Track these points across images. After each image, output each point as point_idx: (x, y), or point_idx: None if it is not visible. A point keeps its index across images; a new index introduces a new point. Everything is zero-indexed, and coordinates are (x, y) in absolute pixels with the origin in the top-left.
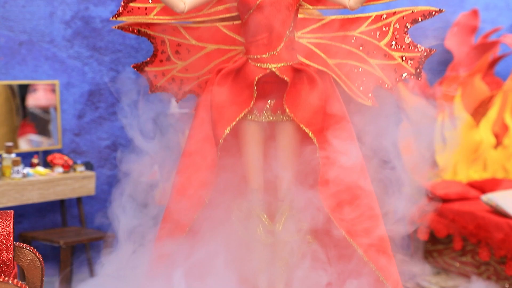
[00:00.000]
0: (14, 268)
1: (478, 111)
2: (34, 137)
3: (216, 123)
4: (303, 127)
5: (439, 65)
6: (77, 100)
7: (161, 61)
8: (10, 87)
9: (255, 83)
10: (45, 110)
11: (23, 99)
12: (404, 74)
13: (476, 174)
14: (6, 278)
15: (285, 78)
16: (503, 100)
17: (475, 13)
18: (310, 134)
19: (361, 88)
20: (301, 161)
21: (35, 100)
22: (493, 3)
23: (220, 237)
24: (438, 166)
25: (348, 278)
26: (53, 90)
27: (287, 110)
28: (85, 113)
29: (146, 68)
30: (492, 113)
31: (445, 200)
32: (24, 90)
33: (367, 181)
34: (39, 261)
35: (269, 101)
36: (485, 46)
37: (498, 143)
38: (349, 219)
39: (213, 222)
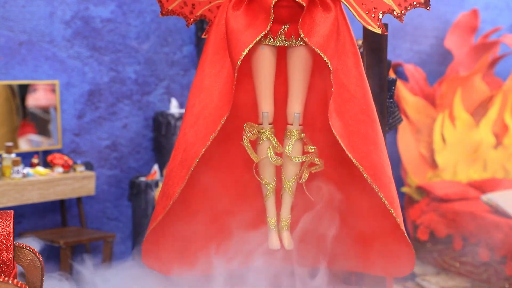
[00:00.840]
0: (14, 268)
1: (478, 111)
2: (34, 137)
3: (232, 47)
4: (318, 51)
5: (439, 65)
6: (77, 100)
7: None
8: (10, 87)
9: (272, 6)
10: (45, 110)
11: (23, 99)
12: (414, 3)
13: (476, 174)
14: (6, 278)
15: (301, 2)
16: (503, 100)
17: (475, 13)
18: (325, 58)
19: (372, 15)
20: (312, 86)
21: (35, 100)
22: (493, 3)
23: (229, 159)
24: (438, 166)
25: (353, 201)
26: (53, 90)
27: (302, 35)
28: (85, 113)
29: None
30: (492, 113)
31: (445, 200)
32: (24, 90)
33: (373, 110)
34: (39, 261)
35: (283, 26)
36: (485, 46)
37: (498, 143)
38: (355, 143)
39: (224, 146)
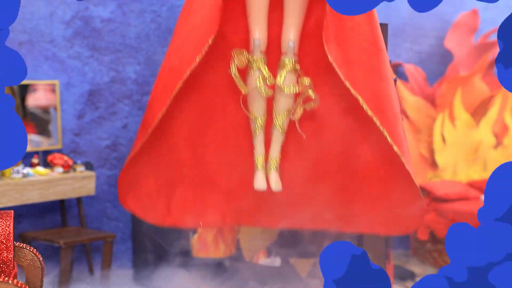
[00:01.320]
0: (14, 268)
1: (478, 111)
2: (34, 137)
3: None
4: None
5: (439, 65)
6: (77, 100)
7: None
8: (10, 87)
9: None
10: (45, 110)
11: (23, 99)
12: None
13: (476, 174)
14: (6, 278)
15: None
16: (503, 100)
17: (475, 13)
18: None
19: None
20: (308, 12)
21: (35, 100)
22: (493, 3)
23: (216, 90)
24: (438, 166)
25: (351, 133)
26: (53, 90)
27: None
28: (85, 113)
29: None
30: (492, 113)
31: (445, 200)
32: (24, 90)
33: (380, 39)
34: (39, 261)
35: None
36: (485, 46)
37: (498, 143)
38: (356, 73)
39: (212, 73)
